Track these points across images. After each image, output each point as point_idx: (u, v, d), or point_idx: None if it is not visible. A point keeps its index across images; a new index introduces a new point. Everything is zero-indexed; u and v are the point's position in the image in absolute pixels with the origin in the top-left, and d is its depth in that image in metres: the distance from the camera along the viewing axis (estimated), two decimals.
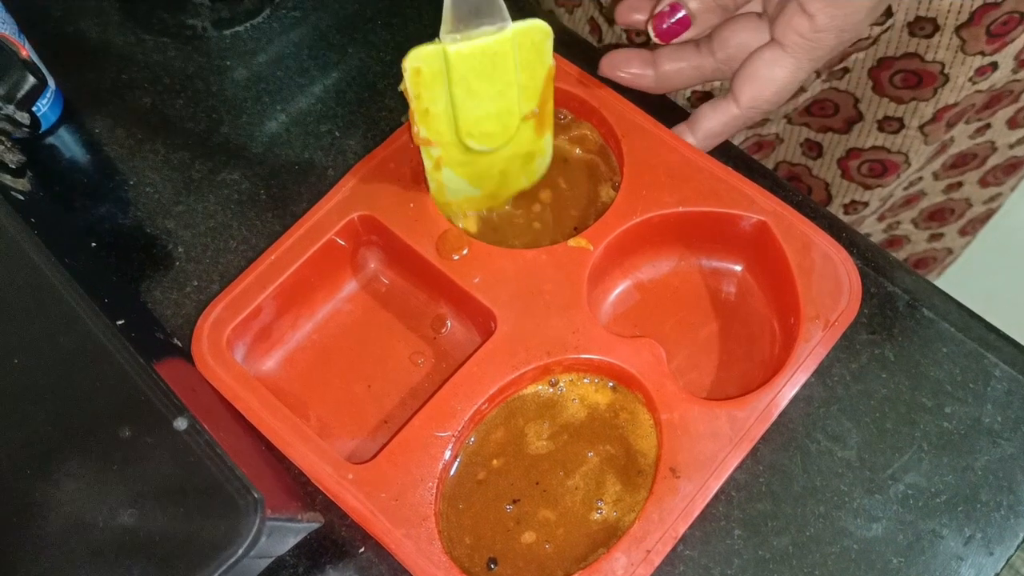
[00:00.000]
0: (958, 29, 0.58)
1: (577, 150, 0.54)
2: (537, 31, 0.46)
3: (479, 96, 0.46)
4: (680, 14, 0.49)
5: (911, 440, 0.49)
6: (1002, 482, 0.48)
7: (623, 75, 0.53)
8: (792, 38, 0.48)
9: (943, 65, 0.61)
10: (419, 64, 0.45)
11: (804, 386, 0.47)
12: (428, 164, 0.48)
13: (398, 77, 0.58)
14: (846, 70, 0.64)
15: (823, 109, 0.68)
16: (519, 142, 0.49)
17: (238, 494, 0.38)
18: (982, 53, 0.60)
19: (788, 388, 0.46)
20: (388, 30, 0.60)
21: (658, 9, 0.50)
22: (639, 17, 0.53)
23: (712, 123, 0.51)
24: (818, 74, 0.65)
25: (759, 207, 0.50)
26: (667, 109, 0.56)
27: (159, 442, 0.39)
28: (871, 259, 0.52)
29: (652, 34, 0.50)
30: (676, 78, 0.52)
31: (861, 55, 0.63)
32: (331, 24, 0.61)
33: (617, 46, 0.61)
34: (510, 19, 0.45)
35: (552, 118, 0.50)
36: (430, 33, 0.60)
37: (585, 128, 0.54)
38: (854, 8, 0.46)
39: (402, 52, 0.59)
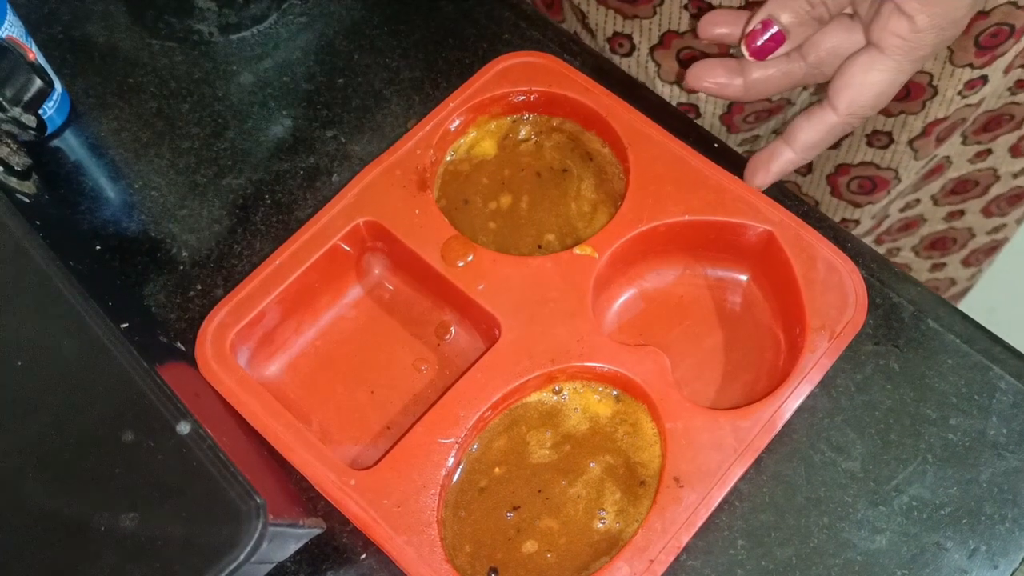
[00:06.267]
0: None
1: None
2: None
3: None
4: (773, 30, 0.47)
5: (915, 452, 0.48)
6: (1007, 495, 0.47)
7: (709, 85, 0.51)
8: (891, 41, 0.45)
9: (931, 76, 0.60)
10: None
11: (808, 397, 0.47)
12: None
13: (403, 82, 0.59)
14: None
15: None
16: None
17: (240, 499, 0.38)
18: (971, 65, 0.60)
19: (792, 399, 0.46)
20: (395, 36, 0.60)
21: (750, 27, 0.48)
22: (722, 31, 0.51)
23: (810, 134, 0.49)
24: (805, 87, 0.64)
25: (765, 217, 0.50)
26: (674, 118, 0.56)
27: (162, 446, 0.39)
28: (876, 270, 0.52)
29: (745, 53, 0.48)
30: (765, 85, 0.51)
31: None
32: (337, 30, 0.61)
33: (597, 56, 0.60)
34: None
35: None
36: (436, 40, 0.60)
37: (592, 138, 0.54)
38: (954, 5, 0.44)
39: (408, 58, 0.59)
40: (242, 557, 0.37)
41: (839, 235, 0.52)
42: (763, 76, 0.50)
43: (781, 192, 0.54)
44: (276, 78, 0.59)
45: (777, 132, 0.70)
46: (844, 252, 0.49)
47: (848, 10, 0.49)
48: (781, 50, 0.48)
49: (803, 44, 0.49)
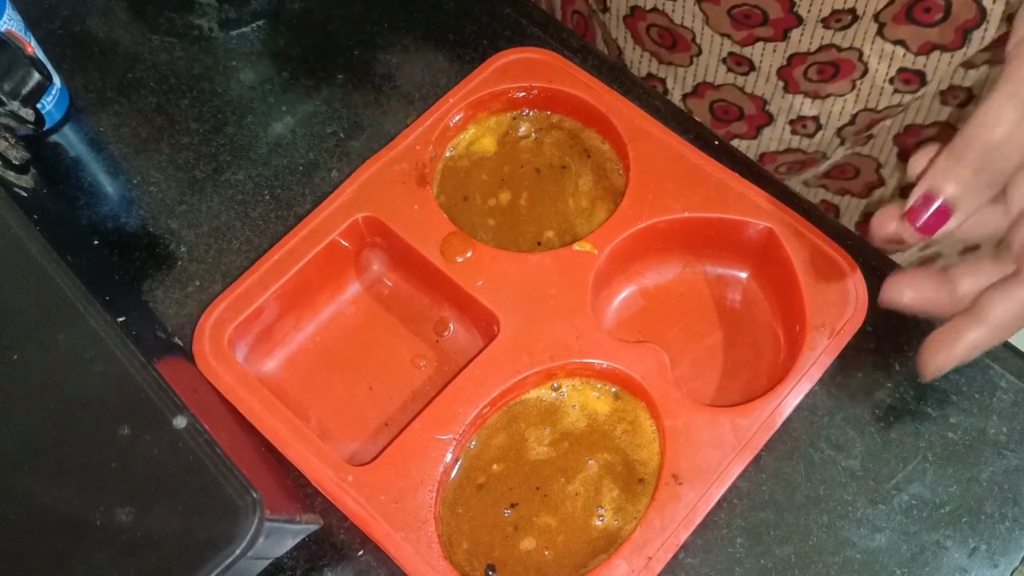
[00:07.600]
0: None
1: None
2: None
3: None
4: (937, 204, 0.41)
5: (916, 450, 0.48)
6: (1007, 494, 0.47)
7: (910, 298, 0.44)
8: None
9: None
10: None
11: (808, 395, 0.46)
12: None
13: (404, 79, 0.58)
14: (871, 136, 0.63)
15: (843, 172, 0.66)
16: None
17: (237, 494, 0.38)
18: None
19: (792, 396, 0.46)
20: (395, 33, 0.60)
21: (909, 204, 0.42)
22: (893, 230, 0.44)
23: (1008, 310, 0.42)
24: (842, 141, 0.64)
25: (766, 214, 0.50)
26: (675, 116, 0.56)
27: (158, 440, 0.39)
28: (877, 268, 0.52)
29: (912, 231, 0.42)
30: (973, 293, 0.43)
31: (888, 122, 0.61)
32: (338, 26, 0.61)
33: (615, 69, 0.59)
34: None
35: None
36: (436, 36, 0.60)
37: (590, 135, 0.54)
38: None
39: (409, 54, 0.59)
40: (238, 552, 0.37)
41: (840, 233, 0.52)
42: (973, 285, 0.43)
43: (782, 190, 0.53)
44: (276, 74, 0.59)
45: (807, 183, 0.69)
46: (845, 250, 0.49)
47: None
48: (952, 223, 0.42)
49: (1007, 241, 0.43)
